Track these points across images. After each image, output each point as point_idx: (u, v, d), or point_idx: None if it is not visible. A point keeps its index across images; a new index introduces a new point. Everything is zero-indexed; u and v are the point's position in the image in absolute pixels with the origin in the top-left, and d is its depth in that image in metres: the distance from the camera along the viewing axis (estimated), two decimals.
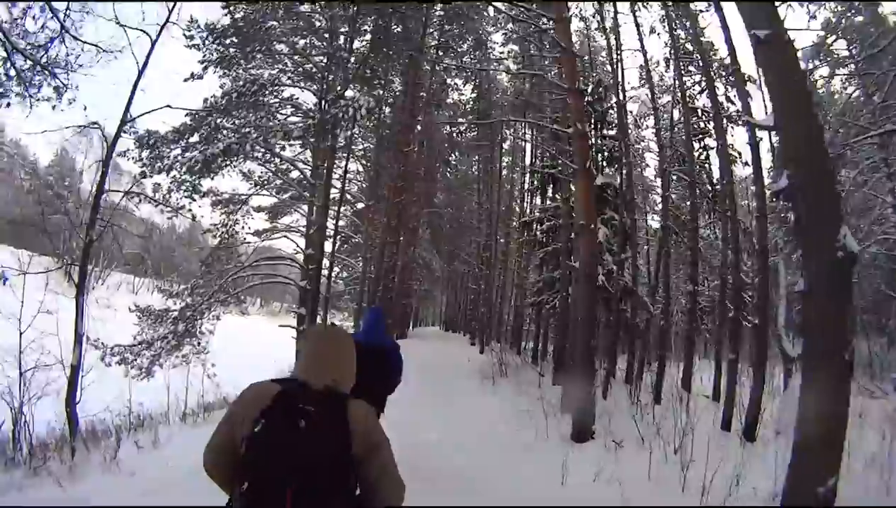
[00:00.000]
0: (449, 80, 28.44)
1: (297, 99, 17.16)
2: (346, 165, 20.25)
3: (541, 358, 19.38)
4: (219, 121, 14.81)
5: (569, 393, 10.95)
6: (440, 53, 25.97)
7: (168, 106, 11.51)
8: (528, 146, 28.45)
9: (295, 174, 18.72)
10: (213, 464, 2.11)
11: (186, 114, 14.95)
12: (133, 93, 10.83)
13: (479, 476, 7.15)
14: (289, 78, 17.58)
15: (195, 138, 15.32)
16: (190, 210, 15.54)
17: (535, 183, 20.12)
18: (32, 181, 46.42)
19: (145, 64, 10.94)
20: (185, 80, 16.12)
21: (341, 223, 29.08)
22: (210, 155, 13.83)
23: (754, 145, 14.61)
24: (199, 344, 16.48)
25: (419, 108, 23.52)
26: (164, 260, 46.99)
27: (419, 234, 29.48)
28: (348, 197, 27.13)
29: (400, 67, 22.66)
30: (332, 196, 19.88)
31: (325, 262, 18.59)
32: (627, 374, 15.48)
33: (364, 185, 26.69)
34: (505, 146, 30.14)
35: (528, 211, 26.84)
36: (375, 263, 20.61)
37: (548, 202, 19.08)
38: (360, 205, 27.08)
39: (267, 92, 16.35)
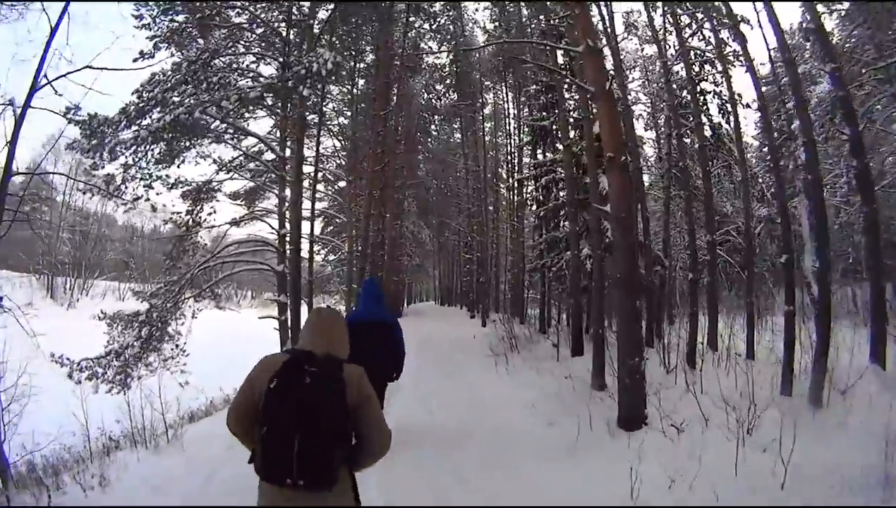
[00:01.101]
0: (423, 45, 26.28)
1: (258, 68, 14.81)
2: (318, 138, 17.94)
3: (547, 325, 17.37)
4: (167, 95, 12.44)
5: (598, 366, 9.08)
6: (411, 18, 23.48)
7: (88, 66, 9.28)
8: (511, 108, 26.44)
9: (269, 156, 16.35)
10: (235, 422, 2.55)
11: (133, 92, 12.63)
12: (45, 53, 8.64)
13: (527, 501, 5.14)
14: (246, 47, 15.18)
15: (146, 121, 13.02)
16: (147, 199, 13.27)
17: (527, 139, 17.92)
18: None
19: (59, 19, 8.73)
20: (135, 60, 13.67)
21: (323, 204, 27.19)
22: (155, 130, 11.51)
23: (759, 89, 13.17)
24: (176, 346, 14.36)
25: (394, 76, 21.22)
26: (150, 263, 44.50)
27: (405, 207, 27.33)
28: (328, 175, 25.04)
29: (369, 34, 20.26)
30: (307, 172, 17.79)
31: (307, 245, 16.39)
32: (647, 337, 13.56)
33: (343, 162, 24.40)
34: (486, 111, 27.79)
35: (518, 170, 24.93)
36: (361, 240, 18.43)
37: (541, 158, 16.94)
38: (341, 184, 24.99)
39: (223, 60, 13.97)
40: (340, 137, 24.33)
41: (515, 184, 25.58)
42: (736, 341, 11.68)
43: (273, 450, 2.30)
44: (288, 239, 13.90)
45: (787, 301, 9.35)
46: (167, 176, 14.81)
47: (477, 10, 25.38)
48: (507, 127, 28.49)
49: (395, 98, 21.81)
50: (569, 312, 16.76)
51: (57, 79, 9.11)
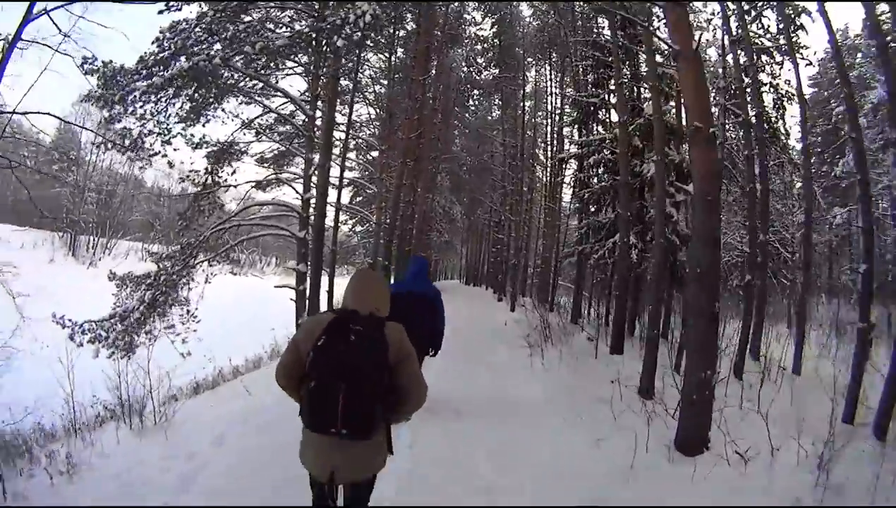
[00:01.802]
0: (466, 15, 24.92)
1: (293, 24, 13.53)
2: (351, 102, 16.54)
3: (580, 316, 16.09)
4: (190, 44, 11.28)
5: (649, 371, 7.91)
6: None
7: None
8: (553, 87, 24.98)
9: (301, 119, 15.10)
10: (284, 377, 2.71)
11: (153, 42, 11.50)
12: None
13: None
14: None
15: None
16: (164, 155, 12.21)
17: (571, 117, 16.52)
18: (36, 158, 43.87)
19: None
20: (160, 13, 12.50)
21: (354, 174, 26.07)
22: (171, 77, 10.39)
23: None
24: (187, 312, 13.40)
25: (434, 44, 19.89)
26: (175, 224, 44.11)
27: (438, 182, 26.11)
28: (361, 144, 23.87)
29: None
30: (338, 137, 16.61)
31: (332, 213, 15.23)
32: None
33: (377, 132, 23.14)
34: (527, 89, 26.23)
35: (559, 150, 23.53)
36: (390, 211, 17.28)
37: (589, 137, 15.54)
38: (374, 154, 23.76)
39: (256, 14, 12.73)
40: (376, 105, 23.05)
41: (556, 164, 24.30)
42: (777, 352, 10.51)
43: (319, 403, 2.47)
44: (313, 205, 12.82)
45: (862, 316, 8.09)
46: (191, 135, 13.91)
47: None
48: (549, 106, 27.23)
49: (434, 68, 20.56)
50: (607, 303, 15.52)
51: (55, 8, 7.97)
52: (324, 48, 11.20)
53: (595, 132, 15.57)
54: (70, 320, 11.99)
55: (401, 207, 17.91)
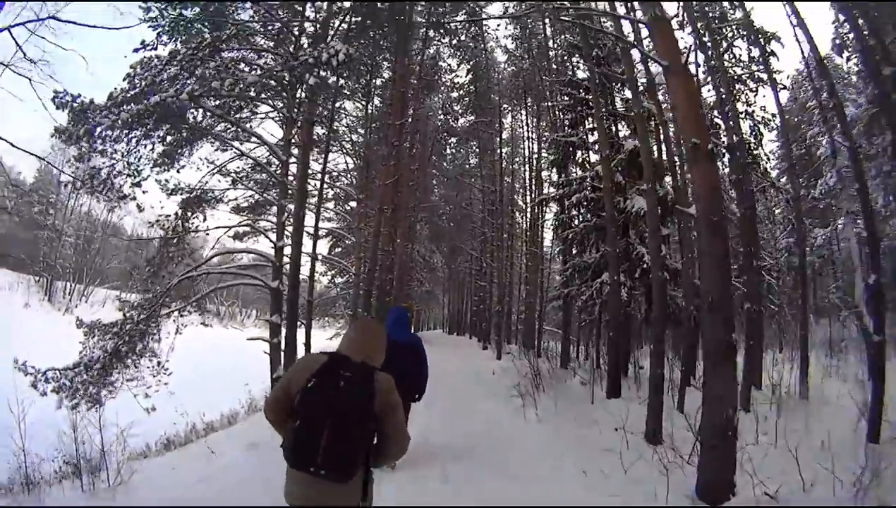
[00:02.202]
0: (441, 62, 24.87)
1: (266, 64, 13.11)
2: (326, 147, 16.09)
3: (569, 361, 15.37)
4: (162, 81, 10.77)
5: (655, 414, 7.25)
6: (430, 34, 21.97)
7: (53, 17, 7.61)
8: (528, 133, 24.94)
9: (276, 165, 14.53)
10: (272, 411, 2.74)
11: (124, 78, 11.03)
12: None
13: None
14: (255, 50, 13.51)
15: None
16: (134, 198, 11.56)
17: (551, 158, 16.10)
18: (16, 200, 42.76)
19: None
20: (136, 51, 12.05)
21: (333, 224, 25.48)
22: (138, 113, 9.82)
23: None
24: (158, 363, 12.50)
25: (410, 92, 19.62)
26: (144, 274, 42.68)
27: (418, 230, 25.55)
28: (339, 194, 23.34)
29: (386, 49, 18.74)
30: (313, 184, 16.03)
31: (309, 263, 14.54)
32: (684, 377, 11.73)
33: (354, 181, 22.63)
34: (504, 135, 26.05)
35: (537, 194, 23.21)
36: (368, 260, 16.61)
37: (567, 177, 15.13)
38: (353, 204, 23.20)
39: (229, 56, 12.30)
40: (353, 155, 22.63)
41: (535, 208, 23.96)
42: (776, 378, 9.93)
43: (302, 441, 2.50)
44: (287, 254, 12.15)
45: (877, 328, 7.50)
46: (166, 180, 13.33)
47: (498, 27, 24.16)
48: (526, 151, 27.19)
49: (410, 116, 20.26)
50: (596, 346, 14.87)
51: (13, 27, 7.39)
52: (296, 88, 10.72)
53: (574, 173, 15.22)
54: (33, 367, 11.03)
55: (379, 256, 17.24)
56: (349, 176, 23.32)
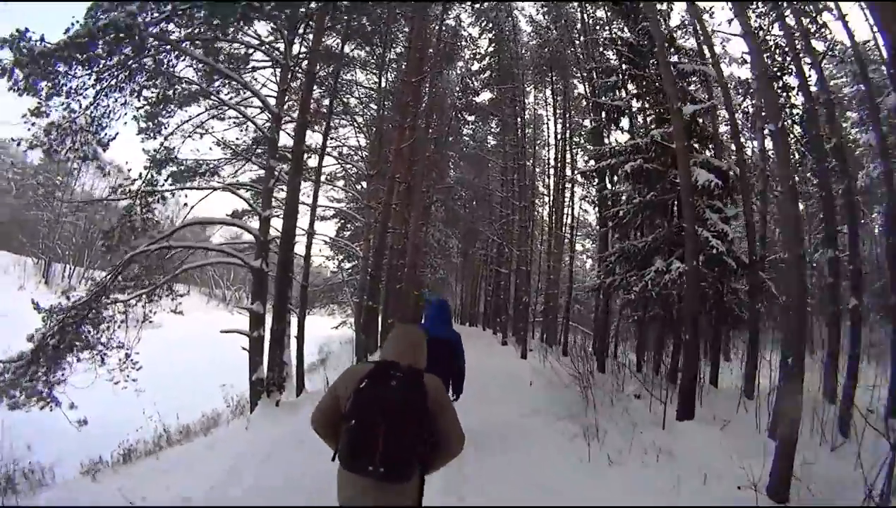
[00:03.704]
0: (462, 31, 22.09)
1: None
2: (331, 101, 13.46)
3: (605, 363, 12.70)
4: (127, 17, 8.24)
5: (785, 461, 4.73)
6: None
7: None
8: (557, 109, 22.10)
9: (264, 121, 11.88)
10: (319, 421, 2.66)
11: (86, 15, 8.51)
12: None
13: None
14: None
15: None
16: (95, 158, 9.10)
17: (592, 127, 13.41)
18: (20, 182, 40.39)
19: None
20: None
21: (341, 204, 22.89)
22: (77, 36, 7.31)
23: None
24: (126, 357, 10.11)
25: (428, 60, 16.97)
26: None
27: (433, 212, 22.85)
28: (349, 169, 20.77)
29: (402, 18, 16.14)
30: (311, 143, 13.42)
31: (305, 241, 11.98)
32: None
33: (365, 160, 19.95)
34: (525, 116, 23.24)
35: (561, 176, 20.54)
36: (377, 239, 13.95)
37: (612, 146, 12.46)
38: (364, 185, 20.54)
39: None
40: (365, 130, 19.96)
41: (559, 192, 21.28)
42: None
43: (359, 442, 2.38)
44: (278, 229, 9.60)
45: None
46: (154, 151, 10.90)
47: None
48: (547, 134, 24.53)
49: (427, 85, 17.65)
50: (640, 347, 12.32)
51: None
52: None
53: (615, 143, 12.64)
54: None
55: (389, 237, 14.68)
56: (360, 153, 20.69)
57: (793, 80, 11.61)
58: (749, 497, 4.64)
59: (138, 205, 10.22)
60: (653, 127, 11.21)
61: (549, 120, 24.05)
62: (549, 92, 23.02)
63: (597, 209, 14.37)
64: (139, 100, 10.19)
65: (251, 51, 11.95)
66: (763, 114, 11.77)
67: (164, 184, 10.36)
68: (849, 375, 6.90)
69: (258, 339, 9.13)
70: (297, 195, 9.84)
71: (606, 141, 13.39)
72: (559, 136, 21.65)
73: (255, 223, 11.63)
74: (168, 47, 9.50)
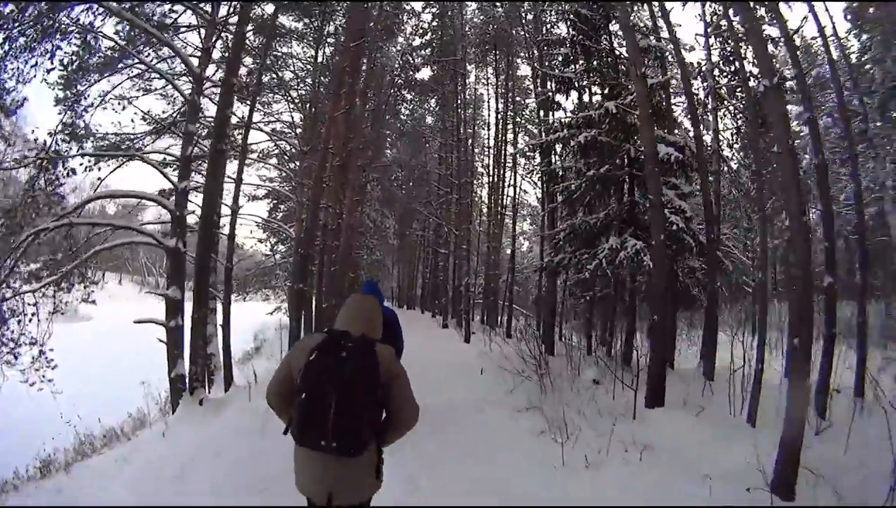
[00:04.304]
0: (405, 4, 20.81)
1: None
2: (261, 64, 12.12)
3: (554, 346, 12.02)
4: None
5: (789, 450, 4.11)
6: None
7: None
8: (497, 89, 21.25)
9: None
10: (274, 394, 2.54)
11: None
12: None
13: None
14: None
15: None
16: None
17: (544, 94, 12.56)
18: None
19: None
20: None
21: (273, 184, 21.28)
22: None
23: None
24: (40, 353, 8.75)
25: (367, 32, 15.72)
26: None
27: (369, 190, 21.62)
28: (282, 147, 19.27)
29: None
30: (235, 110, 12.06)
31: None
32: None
33: (299, 135, 18.50)
34: (466, 95, 22.29)
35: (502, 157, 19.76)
36: (309, 220, 12.61)
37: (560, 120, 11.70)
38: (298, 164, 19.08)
39: None
40: (299, 107, 18.47)
41: (498, 171, 20.50)
42: None
43: (309, 414, 2.28)
44: (197, 207, 8.32)
45: None
46: (72, 125, 9.41)
47: None
48: (487, 115, 23.67)
49: (364, 68, 16.43)
50: (588, 329, 11.73)
51: None
52: None
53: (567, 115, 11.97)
54: None
55: (322, 214, 13.49)
56: (294, 130, 19.21)
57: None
58: (752, 497, 3.96)
59: (42, 177, 8.71)
60: (604, 100, 10.53)
61: (489, 98, 23.24)
62: (490, 71, 22.16)
63: (543, 185, 13.63)
64: (52, 63, 8.77)
65: (175, 7, 10.59)
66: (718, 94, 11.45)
67: (67, 152, 8.81)
68: (824, 355, 6.36)
69: (176, 329, 7.81)
70: (219, 165, 8.58)
71: (553, 115, 12.71)
72: (500, 115, 20.86)
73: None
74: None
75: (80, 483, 6.32)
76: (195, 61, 9.32)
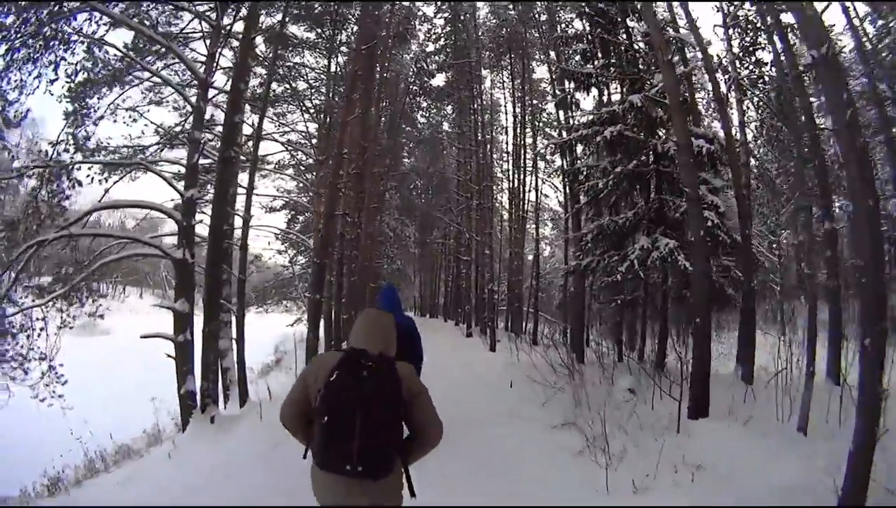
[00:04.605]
0: (416, 10, 20.45)
1: None
2: (273, 58, 11.78)
3: (584, 354, 11.40)
4: None
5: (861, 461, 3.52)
6: None
7: None
8: (509, 96, 20.85)
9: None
10: (288, 416, 2.41)
11: None
12: None
13: None
14: None
15: None
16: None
17: (563, 91, 12.09)
18: None
19: None
20: None
21: (290, 195, 20.93)
22: None
23: None
24: (50, 368, 8.61)
25: (380, 35, 15.32)
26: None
27: (387, 199, 21.21)
28: (298, 159, 18.93)
29: None
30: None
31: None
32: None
33: (315, 145, 18.15)
34: (483, 100, 21.77)
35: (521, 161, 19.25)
36: (323, 227, 12.10)
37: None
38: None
39: None
40: (314, 117, 18.14)
41: (519, 175, 19.97)
42: None
43: (333, 437, 2.16)
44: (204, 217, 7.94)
45: None
46: (84, 138, 9.19)
47: None
48: (505, 120, 23.22)
49: (378, 76, 16.06)
50: (618, 335, 11.13)
51: None
52: None
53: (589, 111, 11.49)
54: None
55: (338, 221, 13.06)
56: (310, 141, 18.85)
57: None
58: None
59: (45, 189, 8.43)
60: (626, 95, 10.00)
61: (506, 102, 22.79)
62: (506, 75, 21.69)
63: (566, 187, 13.10)
64: (56, 74, 8.55)
65: (182, 15, 10.35)
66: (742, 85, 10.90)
67: (72, 159, 8.51)
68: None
69: (185, 344, 7.40)
70: (227, 174, 8.21)
71: (574, 113, 12.22)
72: (517, 119, 20.38)
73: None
74: (88, 9, 7.89)
75: (83, 503, 5.97)
76: (202, 69, 8.99)
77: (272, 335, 20.61)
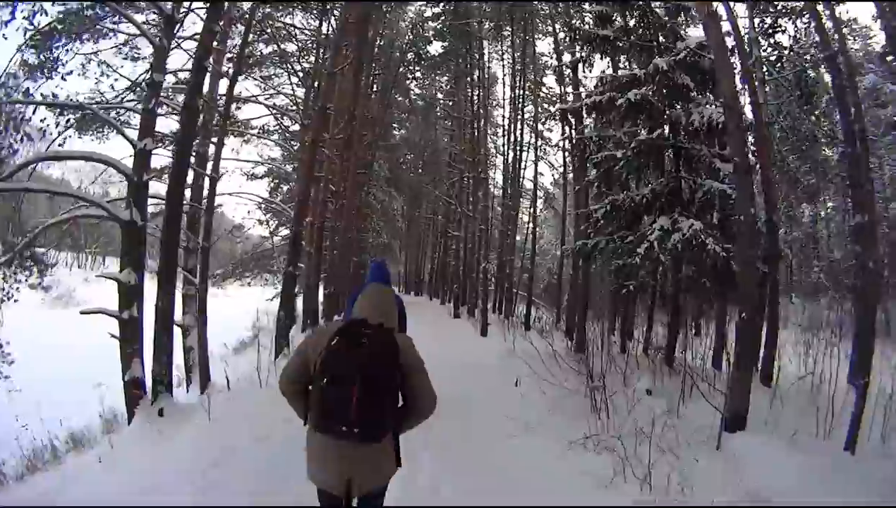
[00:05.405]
0: None
1: None
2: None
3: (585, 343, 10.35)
4: None
5: None
6: None
7: None
8: (514, 67, 19.58)
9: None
10: (287, 384, 2.37)
11: None
12: None
13: None
14: None
15: None
16: None
17: (577, 54, 10.91)
18: None
19: None
20: None
21: (276, 161, 19.57)
22: None
23: None
24: None
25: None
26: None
27: (375, 169, 19.97)
28: (286, 126, 17.61)
29: None
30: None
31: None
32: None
33: (302, 111, 16.82)
34: (476, 75, 20.45)
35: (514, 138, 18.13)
36: (300, 193, 10.85)
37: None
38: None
39: None
40: (301, 76, 16.79)
41: (515, 152, 18.85)
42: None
43: (332, 399, 2.14)
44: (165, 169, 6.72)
45: None
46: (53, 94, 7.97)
47: None
48: (502, 94, 22.06)
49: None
50: (624, 324, 10.20)
51: None
52: None
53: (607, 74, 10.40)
54: None
55: (322, 188, 11.89)
56: (298, 106, 17.50)
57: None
58: None
59: None
60: (647, 60, 8.91)
61: (504, 75, 21.62)
62: (506, 46, 20.46)
63: (573, 159, 11.97)
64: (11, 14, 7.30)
65: None
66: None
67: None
68: None
69: (131, 322, 6.21)
70: (193, 122, 7.00)
71: (587, 76, 11.14)
72: (516, 90, 19.22)
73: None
74: None
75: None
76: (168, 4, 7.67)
77: (250, 310, 19.33)
